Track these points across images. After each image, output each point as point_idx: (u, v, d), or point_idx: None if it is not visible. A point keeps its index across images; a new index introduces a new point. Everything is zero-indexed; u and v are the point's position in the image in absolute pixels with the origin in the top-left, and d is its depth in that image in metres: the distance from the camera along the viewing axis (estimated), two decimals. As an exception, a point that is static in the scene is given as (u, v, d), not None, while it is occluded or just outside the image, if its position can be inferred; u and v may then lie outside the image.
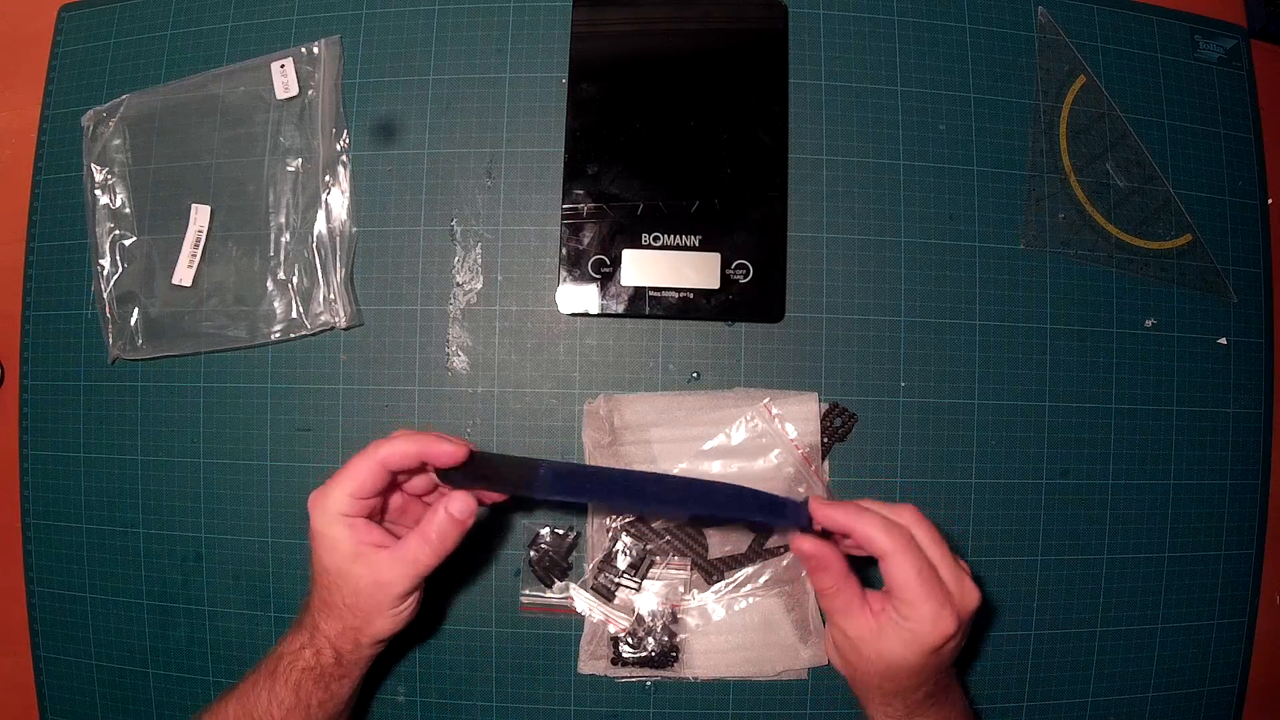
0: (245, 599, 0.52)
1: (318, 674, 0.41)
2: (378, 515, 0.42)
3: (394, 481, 0.42)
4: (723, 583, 0.50)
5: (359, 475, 0.39)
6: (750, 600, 0.50)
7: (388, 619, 0.40)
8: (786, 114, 0.52)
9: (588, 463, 0.50)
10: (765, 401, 0.50)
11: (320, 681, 0.41)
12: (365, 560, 0.39)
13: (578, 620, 0.50)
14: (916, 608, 0.36)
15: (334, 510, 0.39)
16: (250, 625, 0.52)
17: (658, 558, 0.50)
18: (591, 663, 0.50)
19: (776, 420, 0.50)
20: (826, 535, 0.39)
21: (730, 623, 0.50)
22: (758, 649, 0.50)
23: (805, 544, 0.38)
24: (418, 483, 0.43)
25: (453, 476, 0.40)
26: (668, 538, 0.50)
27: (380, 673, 0.51)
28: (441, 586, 0.51)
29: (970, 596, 0.37)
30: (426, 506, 0.43)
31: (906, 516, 0.38)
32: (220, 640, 0.52)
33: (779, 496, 0.39)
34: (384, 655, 0.50)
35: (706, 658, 0.50)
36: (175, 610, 0.53)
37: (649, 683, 0.50)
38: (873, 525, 0.37)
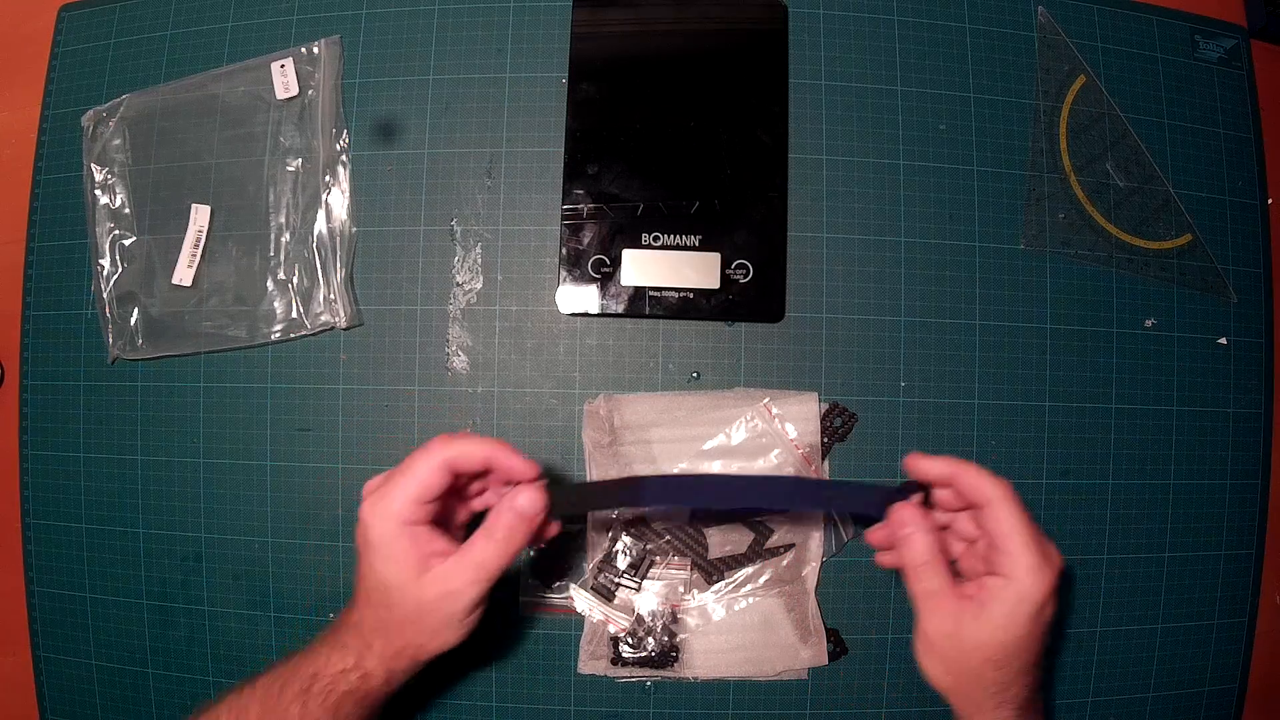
0: (245, 599, 0.52)
1: (361, 696, 0.38)
2: (437, 520, 0.38)
3: (457, 484, 0.39)
4: (723, 583, 0.50)
5: (422, 478, 0.36)
6: (750, 600, 0.50)
7: (454, 632, 0.37)
8: (786, 114, 0.52)
9: (587, 462, 0.50)
10: (765, 401, 0.50)
11: (363, 703, 0.38)
12: (430, 572, 0.36)
13: (578, 620, 0.50)
14: (1019, 560, 0.35)
15: (396, 518, 0.36)
16: (250, 625, 0.52)
17: (658, 558, 0.50)
18: (591, 663, 0.50)
19: (776, 420, 0.50)
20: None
21: (730, 623, 0.50)
22: (758, 649, 0.50)
23: (905, 511, 0.37)
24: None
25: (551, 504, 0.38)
26: (668, 538, 0.50)
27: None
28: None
29: (1057, 555, 0.36)
30: (463, 503, 0.41)
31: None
32: (220, 640, 0.52)
33: (875, 487, 0.39)
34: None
35: (706, 658, 0.50)
36: (175, 610, 0.53)
37: (649, 683, 0.50)
38: (979, 471, 0.37)
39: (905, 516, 0.37)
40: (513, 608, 0.51)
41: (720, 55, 0.52)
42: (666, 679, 0.50)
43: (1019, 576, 0.35)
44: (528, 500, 0.37)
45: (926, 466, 0.38)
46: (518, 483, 0.38)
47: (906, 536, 0.37)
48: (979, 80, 0.54)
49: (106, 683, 0.53)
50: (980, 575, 0.37)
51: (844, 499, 0.41)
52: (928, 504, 0.40)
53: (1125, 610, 0.52)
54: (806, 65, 0.53)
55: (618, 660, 0.50)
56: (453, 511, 0.41)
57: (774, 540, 0.50)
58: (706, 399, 0.51)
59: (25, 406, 0.55)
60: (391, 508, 0.36)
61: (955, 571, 0.38)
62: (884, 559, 0.41)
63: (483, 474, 0.40)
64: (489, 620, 0.50)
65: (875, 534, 0.41)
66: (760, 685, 0.50)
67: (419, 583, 0.36)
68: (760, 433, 0.50)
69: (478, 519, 0.39)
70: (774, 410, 0.50)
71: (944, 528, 0.41)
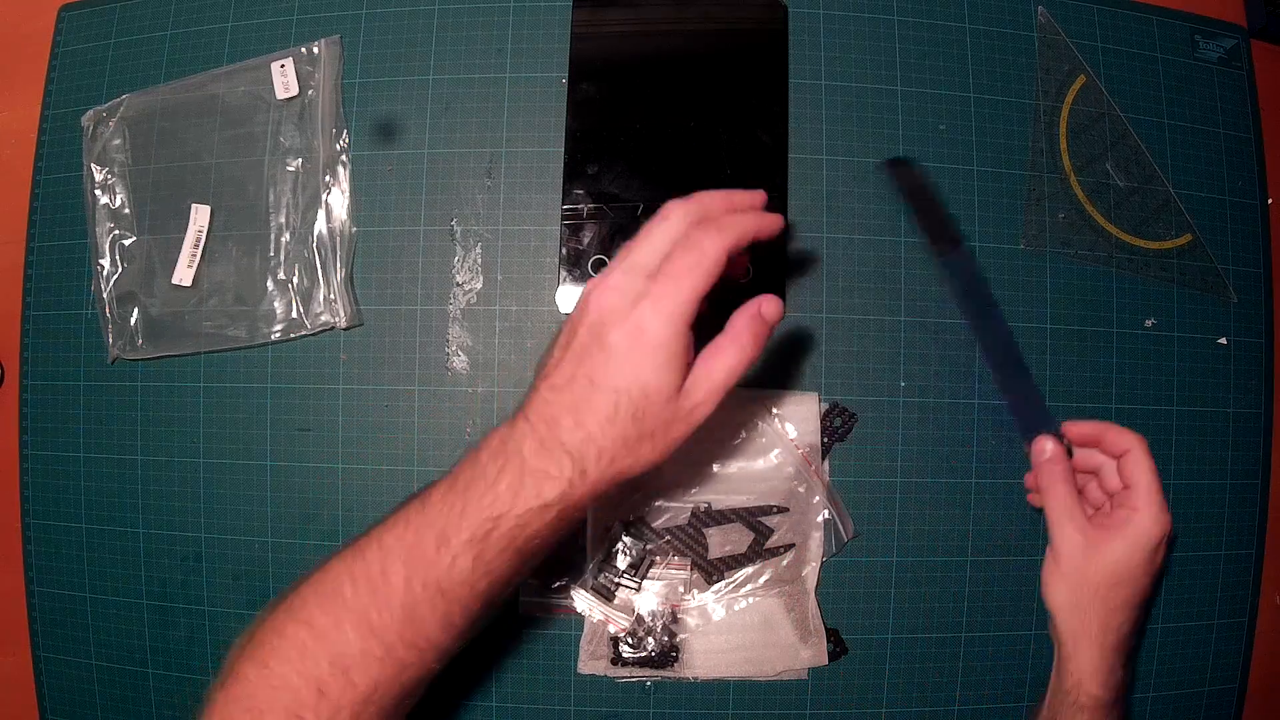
0: (245, 599, 0.52)
1: (553, 536, 0.33)
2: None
3: None
4: (723, 583, 0.50)
5: (711, 272, 0.33)
6: (750, 600, 0.50)
7: (673, 448, 0.34)
8: (786, 114, 0.52)
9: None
10: (765, 401, 0.50)
11: (548, 545, 0.33)
12: (688, 378, 0.34)
13: (578, 620, 0.50)
14: (1147, 503, 0.42)
15: (685, 320, 0.33)
16: (250, 625, 0.52)
17: (658, 558, 0.50)
18: (591, 663, 0.50)
19: (776, 420, 0.50)
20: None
21: (730, 623, 0.50)
22: (758, 649, 0.50)
23: (1046, 441, 0.45)
24: None
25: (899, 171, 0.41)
26: (667, 537, 0.50)
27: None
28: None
29: (1169, 514, 0.43)
30: None
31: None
32: (220, 640, 0.52)
33: (1040, 415, 0.47)
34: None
35: (706, 658, 0.50)
36: (175, 610, 0.53)
37: (649, 683, 0.50)
38: (1119, 428, 0.45)
39: (1047, 445, 0.45)
40: (513, 608, 0.51)
41: (720, 55, 0.52)
42: (666, 679, 0.50)
43: (1147, 514, 0.42)
44: (772, 307, 0.35)
45: (1076, 430, 0.46)
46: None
47: (1047, 462, 0.45)
48: (979, 80, 0.54)
49: (106, 683, 0.53)
50: (1107, 509, 0.45)
51: (1028, 407, 0.48)
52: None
53: (1125, 610, 0.52)
54: (806, 65, 0.53)
55: (618, 660, 0.50)
56: None
57: (774, 540, 0.50)
58: (706, 399, 0.51)
59: (25, 406, 0.55)
60: (682, 308, 0.33)
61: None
62: (1033, 498, 0.49)
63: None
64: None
65: (1028, 477, 0.49)
66: (760, 685, 0.50)
67: (681, 391, 0.33)
68: (760, 432, 0.50)
69: None
70: (774, 410, 0.50)
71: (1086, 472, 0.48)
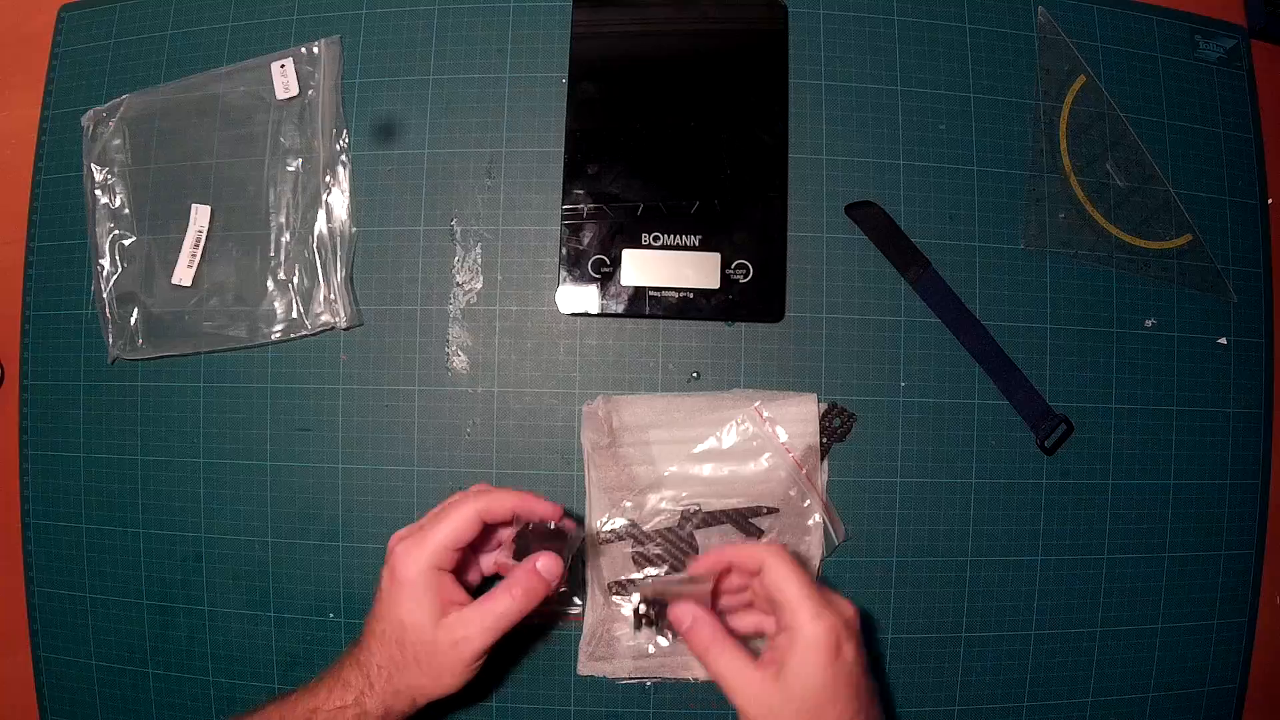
0: (245, 599, 0.52)
1: None
2: (457, 572, 0.41)
3: (485, 537, 0.41)
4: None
5: (457, 525, 0.39)
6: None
7: (456, 678, 0.39)
8: (786, 114, 0.52)
9: (586, 463, 0.50)
10: (756, 404, 0.50)
11: None
12: (448, 617, 0.38)
13: (577, 621, 0.50)
14: (799, 609, 0.36)
15: (428, 561, 0.39)
16: (250, 625, 0.52)
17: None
18: (591, 664, 0.50)
19: (767, 423, 0.50)
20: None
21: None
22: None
23: (680, 609, 0.39)
24: (486, 557, 0.44)
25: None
26: (659, 540, 0.50)
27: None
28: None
29: (846, 604, 0.38)
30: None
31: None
32: (220, 640, 0.52)
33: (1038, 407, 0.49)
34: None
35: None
36: (175, 610, 0.53)
37: (649, 683, 0.50)
38: (744, 547, 0.40)
39: (680, 613, 0.39)
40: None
41: (720, 55, 0.52)
42: (666, 679, 0.50)
43: (802, 624, 0.36)
44: (548, 563, 0.39)
45: (703, 567, 0.41)
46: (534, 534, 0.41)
47: (687, 630, 0.39)
48: (979, 80, 0.54)
49: (106, 683, 0.53)
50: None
51: (1027, 401, 0.49)
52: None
53: (1125, 610, 0.52)
54: (806, 65, 0.53)
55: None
56: (470, 568, 0.44)
57: (765, 541, 0.50)
58: (705, 400, 0.51)
59: (25, 406, 0.55)
60: (425, 551, 0.39)
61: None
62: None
63: (506, 523, 0.42)
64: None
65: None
66: (760, 685, 0.50)
67: (436, 626, 0.38)
68: (751, 436, 0.50)
69: (487, 582, 0.43)
70: (765, 413, 0.50)
71: (749, 605, 0.43)
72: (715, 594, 0.41)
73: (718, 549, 0.41)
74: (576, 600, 0.50)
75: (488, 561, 0.44)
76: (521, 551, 0.40)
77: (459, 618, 0.38)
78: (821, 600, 0.37)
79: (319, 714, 0.39)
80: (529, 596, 0.39)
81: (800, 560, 0.48)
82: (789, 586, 0.37)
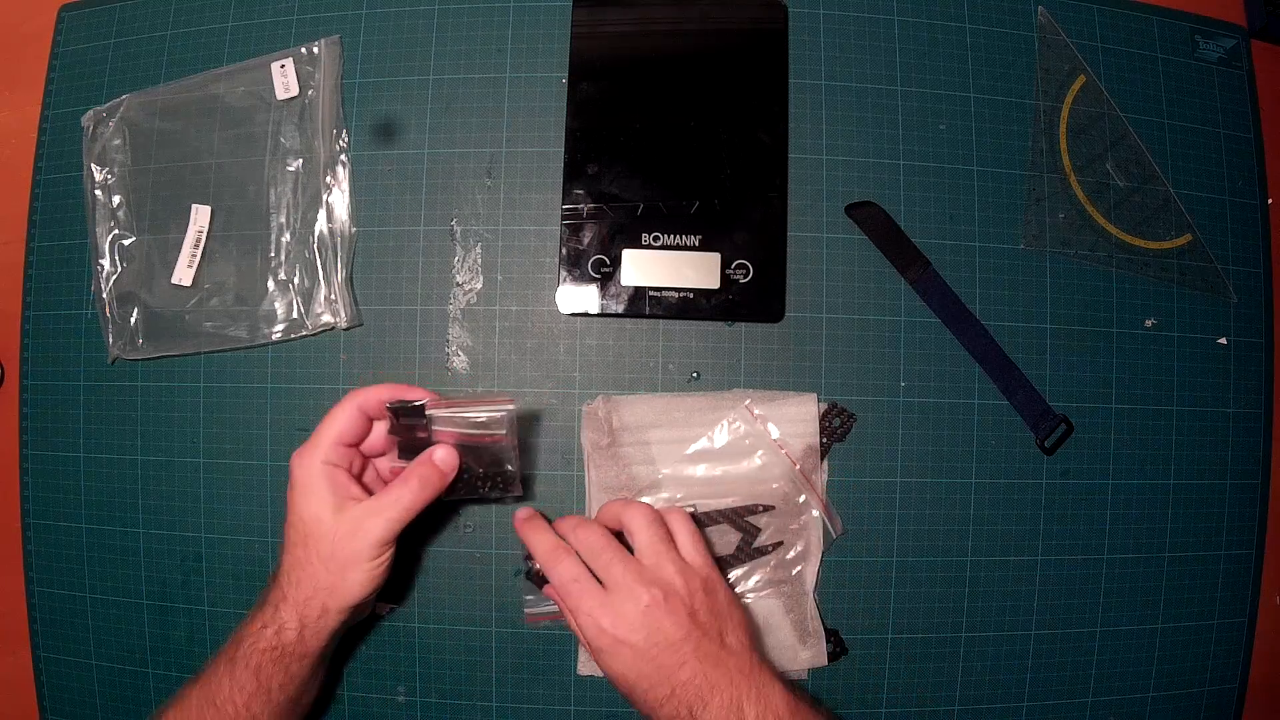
0: (245, 599, 0.52)
1: (278, 654, 0.40)
2: (356, 474, 0.43)
3: (368, 431, 0.43)
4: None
5: (339, 420, 0.41)
6: (747, 601, 0.50)
7: (363, 573, 0.40)
8: (786, 114, 0.52)
9: (586, 463, 0.50)
10: (747, 402, 0.50)
11: (280, 662, 0.40)
12: (346, 510, 0.40)
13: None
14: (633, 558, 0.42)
15: (318, 459, 0.41)
16: (250, 625, 0.52)
17: None
18: (591, 664, 0.50)
19: (759, 421, 0.50)
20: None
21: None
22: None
23: (520, 510, 0.46)
24: (383, 463, 0.46)
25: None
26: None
27: (380, 673, 0.51)
28: (441, 588, 0.51)
29: (676, 575, 0.42)
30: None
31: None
32: (220, 640, 0.51)
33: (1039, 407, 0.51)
34: (384, 655, 0.51)
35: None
36: (175, 610, 0.53)
37: (649, 683, 0.50)
38: (621, 503, 0.45)
39: (519, 512, 0.45)
40: (513, 608, 0.51)
41: (720, 55, 0.52)
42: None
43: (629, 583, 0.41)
44: (444, 455, 0.41)
45: (604, 517, 0.45)
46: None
47: (521, 524, 0.45)
48: (979, 80, 0.54)
49: (106, 683, 0.53)
50: None
51: (1027, 401, 0.51)
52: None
53: (1125, 610, 0.52)
54: (806, 65, 0.53)
55: None
56: (364, 474, 0.45)
57: (762, 539, 0.50)
58: (705, 400, 0.51)
59: (25, 406, 0.55)
60: (314, 450, 0.41)
61: None
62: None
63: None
64: (489, 620, 0.50)
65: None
66: (760, 685, 0.50)
67: (335, 519, 0.40)
68: (744, 434, 0.50)
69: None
70: (756, 411, 0.50)
71: None
72: None
73: (603, 511, 0.45)
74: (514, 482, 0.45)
75: (383, 467, 0.46)
76: (405, 449, 0.42)
77: (359, 507, 0.40)
78: (641, 573, 0.41)
79: (244, 641, 0.41)
80: (425, 486, 0.41)
81: (805, 552, 0.50)
82: (637, 539, 0.43)
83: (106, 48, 0.56)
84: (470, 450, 0.42)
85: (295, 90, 0.53)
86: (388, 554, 0.41)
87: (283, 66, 0.53)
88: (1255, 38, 0.57)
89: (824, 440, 0.50)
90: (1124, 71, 0.55)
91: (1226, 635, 0.53)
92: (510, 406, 0.41)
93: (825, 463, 0.51)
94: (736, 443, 0.50)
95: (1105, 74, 0.54)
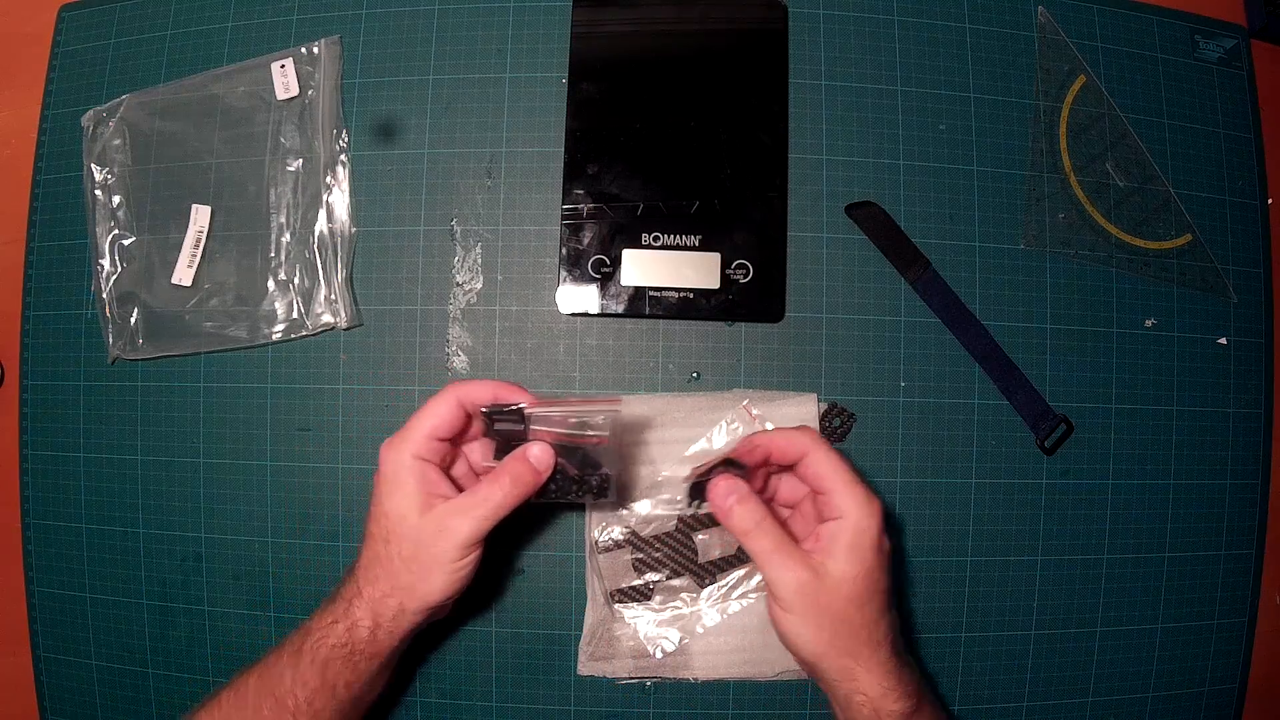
0: (245, 599, 0.52)
1: (348, 651, 0.38)
2: (447, 467, 0.41)
3: (467, 427, 0.41)
4: (714, 585, 0.50)
5: (438, 413, 0.38)
6: (745, 602, 0.50)
7: (445, 575, 0.38)
8: (786, 114, 0.52)
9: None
10: (745, 402, 0.50)
11: (349, 660, 0.38)
12: (432, 508, 0.38)
13: (577, 621, 0.50)
14: (848, 495, 0.36)
15: (409, 451, 0.38)
16: (250, 625, 0.52)
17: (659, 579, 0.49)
18: (590, 664, 0.50)
19: (757, 421, 0.50)
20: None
21: (729, 624, 0.50)
22: (757, 650, 0.49)
23: (720, 485, 0.38)
24: (475, 455, 0.43)
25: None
26: (657, 545, 0.50)
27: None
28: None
29: (875, 495, 0.37)
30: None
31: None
32: (220, 640, 0.52)
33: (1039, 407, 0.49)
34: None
35: (706, 659, 0.49)
36: (175, 610, 0.53)
37: (649, 683, 0.50)
38: (785, 432, 0.39)
39: (721, 489, 0.38)
40: (513, 608, 0.51)
41: (720, 55, 0.52)
42: (666, 680, 0.50)
43: (851, 510, 0.36)
44: (539, 452, 0.38)
45: (740, 450, 0.40)
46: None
47: (728, 508, 0.38)
48: (979, 80, 0.54)
49: (106, 683, 0.53)
50: (814, 529, 0.38)
51: (1027, 401, 0.49)
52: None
53: (1125, 610, 0.52)
54: (806, 65, 0.53)
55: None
56: (454, 466, 0.42)
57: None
58: (704, 400, 0.51)
59: (25, 406, 0.55)
60: (406, 442, 0.38)
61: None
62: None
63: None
64: (489, 620, 0.51)
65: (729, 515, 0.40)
66: (760, 686, 0.50)
67: (422, 517, 0.37)
68: (742, 435, 0.50)
69: None
70: (754, 411, 0.50)
71: (769, 500, 0.42)
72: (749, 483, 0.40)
73: (757, 436, 0.40)
74: (608, 490, 0.42)
75: (475, 458, 0.43)
76: (501, 449, 0.39)
77: (446, 505, 0.38)
78: (867, 489, 0.37)
79: (313, 634, 0.39)
80: (517, 484, 0.38)
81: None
82: (837, 475, 0.37)
83: (106, 48, 0.56)
84: (565, 450, 0.40)
85: (295, 90, 0.53)
86: (474, 555, 0.38)
87: (283, 66, 0.53)
88: (1255, 38, 0.57)
89: (824, 440, 0.50)
90: (1124, 71, 0.55)
91: (1226, 635, 0.53)
92: (618, 407, 0.39)
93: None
94: (735, 443, 0.50)
95: (1105, 74, 0.54)
